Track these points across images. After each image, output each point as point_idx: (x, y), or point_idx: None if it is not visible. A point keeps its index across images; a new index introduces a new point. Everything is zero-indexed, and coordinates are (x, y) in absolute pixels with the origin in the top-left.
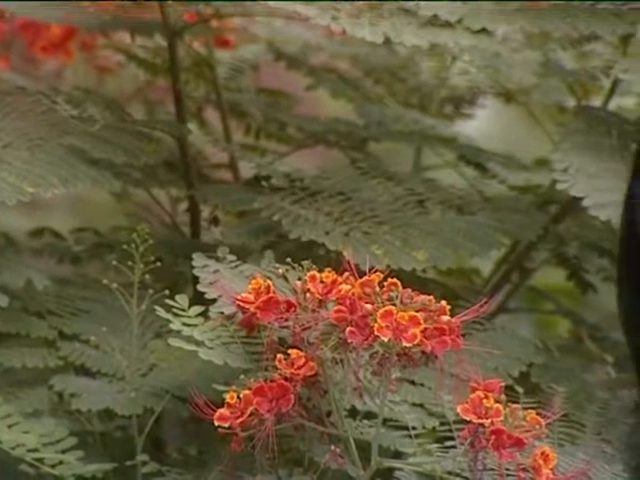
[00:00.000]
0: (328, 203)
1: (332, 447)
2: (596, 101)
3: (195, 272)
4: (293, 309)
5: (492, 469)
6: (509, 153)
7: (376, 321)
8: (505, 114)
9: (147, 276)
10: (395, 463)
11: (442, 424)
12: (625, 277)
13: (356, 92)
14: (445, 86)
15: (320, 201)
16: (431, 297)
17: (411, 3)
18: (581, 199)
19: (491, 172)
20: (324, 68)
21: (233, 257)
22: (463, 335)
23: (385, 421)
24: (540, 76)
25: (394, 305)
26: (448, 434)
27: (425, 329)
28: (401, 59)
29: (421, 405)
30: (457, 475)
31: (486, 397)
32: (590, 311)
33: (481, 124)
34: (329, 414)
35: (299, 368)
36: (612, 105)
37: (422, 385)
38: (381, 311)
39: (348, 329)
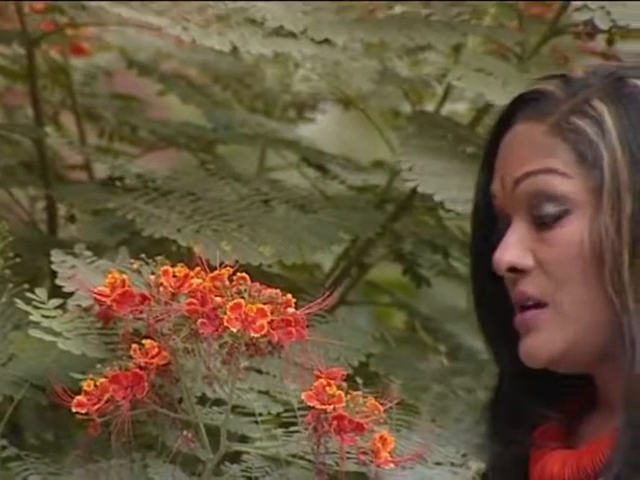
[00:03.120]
0: (179, 202)
1: (184, 432)
2: (430, 106)
3: (53, 267)
4: (147, 302)
5: (334, 452)
6: (348, 155)
7: (226, 313)
8: (344, 119)
9: (7, 271)
10: (242, 447)
11: (287, 410)
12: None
13: (205, 97)
14: (288, 92)
15: (172, 200)
16: (278, 291)
17: (258, 14)
18: (415, 197)
19: (332, 173)
20: (174, 74)
21: (89, 253)
22: (307, 326)
23: (233, 408)
24: (377, 83)
25: (243, 298)
26: (292, 420)
27: (272, 320)
28: (247, 66)
29: (267, 392)
30: (301, 458)
31: (329, 385)
32: (424, 304)
33: (322, 128)
34: (181, 401)
35: (153, 357)
36: (445, 110)
37: (268, 374)
38: (230, 304)
39: (199, 320)
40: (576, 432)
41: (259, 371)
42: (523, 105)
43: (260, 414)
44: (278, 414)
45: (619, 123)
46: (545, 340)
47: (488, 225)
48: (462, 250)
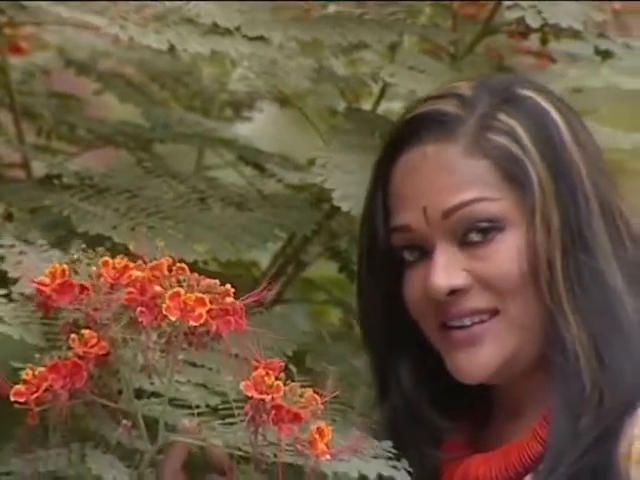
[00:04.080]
0: (116, 200)
1: (123, 422)
2: (366, 105)
3: (0, 251)
4: (86, 292)
5: (272, 443)
6: (285, 154)
7: (164, 302)
8: (281, 117)
9: None
10: (181, 438)
11: (224, 403)
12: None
13: (142, 96)
14: (225, 91)
15: (108, 198)
16: (216, 281)
17: (193, 12)
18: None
19: (269, 171)
20: (112, 73)
21: (44, 241)
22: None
23: (171, 400)
24: (314, 81)
25: (182, 288)
26: (230, 412)
27: (210, 310)
28: (184, 65)
29: (204, 385)
30: (239, 449)
31: (267, 375)
32: None
33: (259, 127)
34: (120, 392)
35: (92, 347)
36: (381, 109)
37: (204, 367)
38: (169, 292)
39: (138, 309)
40: (482, 439)
41: (196, 365)
42: (423, 126)
43: (197, 406)
44: (216, 407)
45: (532, 138)
46: (492, 350)
47: (383, 245)
48: None
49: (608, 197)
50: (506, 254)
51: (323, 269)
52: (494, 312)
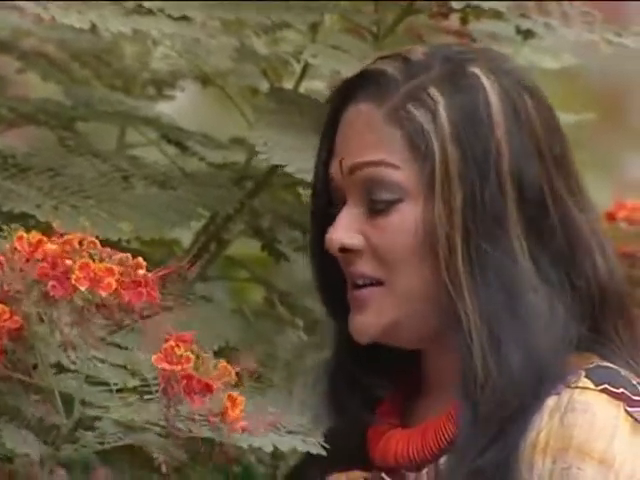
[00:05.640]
0: (38, 178)
1: (38, 398)
2: (288, 84)
3: None
4: (1, 267)
5: (188, 418)
6: (207, 132)
7: (74, 273)
8: (203, 96)
9: None
10: (96, 413)
11: (142, 380)
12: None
13: (64, 75)
14: (147, 69)
15: (31, 177)
16: (129, 254)
17: None
18: (277, 173)
19: (191, 150)
20: (34, 52)
21: None
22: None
23: (88, 378)
24: (235, 61)
25: (93, 261)
26: (147, 389)
27: (122, 281)
28: (106, 44)
29: (124, 367)
30: (155, 424)
31: (177, 346)
32: (282, 279)
33: (181, 105)
34: (35, 367)
35: (4, 321)
36: (302, 88)
37: (126, 348)
38: (78, 263)
39: (50, 283)
40: (410, 412)
41: (118, 346)
42: (365, 82)
43: (115, 384)
44: (135, 387)
45: (453, 115)
46: (373, 317)
47: (326, 201)
48: None
49: (539, 186)
50: (400, 226)
51: (245, 247)
52: (378, 282)
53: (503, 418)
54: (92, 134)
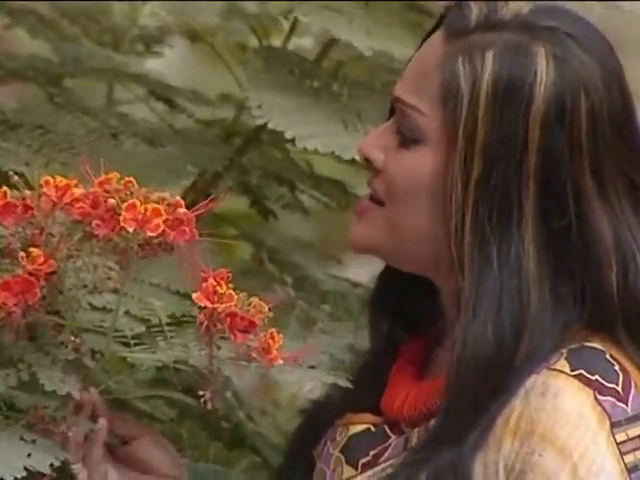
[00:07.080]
0: (28, 136)
1: (72, 338)
2: (277, 42)
3: None
4: (30, 211)
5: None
6: (196, 89)
7: (121, 213)
8: (192, 53)
9: None
10: (128, 353)
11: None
12: None
13: (53, 31)
14: (136, 26)
15: (21, 134)
16: (166, 194)
17: None
18: (263, 131)
19: (180, 107)
20: (23, 9)
21: None
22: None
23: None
24: (224, 18)
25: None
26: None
27: (166, 220)
28: (95, 2)
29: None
30: (185, 363)
31: (219, 284)
32: (270, 236)
33: (170, 62)
34: (66, 310)
35: (41, 265)
36: (291, 45)
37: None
38: (126, 204)
39: (94, 222)
40: (432, 364)
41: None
42: (452, 17)
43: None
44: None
45: (494, 88)
46: (365, 230)
47: None
48: (308, 183)
49: (562, 185)
50: (414, 165)
51: (234, 204)
52: (380, 202)
53: (482, 392)
54: (80, 90)
